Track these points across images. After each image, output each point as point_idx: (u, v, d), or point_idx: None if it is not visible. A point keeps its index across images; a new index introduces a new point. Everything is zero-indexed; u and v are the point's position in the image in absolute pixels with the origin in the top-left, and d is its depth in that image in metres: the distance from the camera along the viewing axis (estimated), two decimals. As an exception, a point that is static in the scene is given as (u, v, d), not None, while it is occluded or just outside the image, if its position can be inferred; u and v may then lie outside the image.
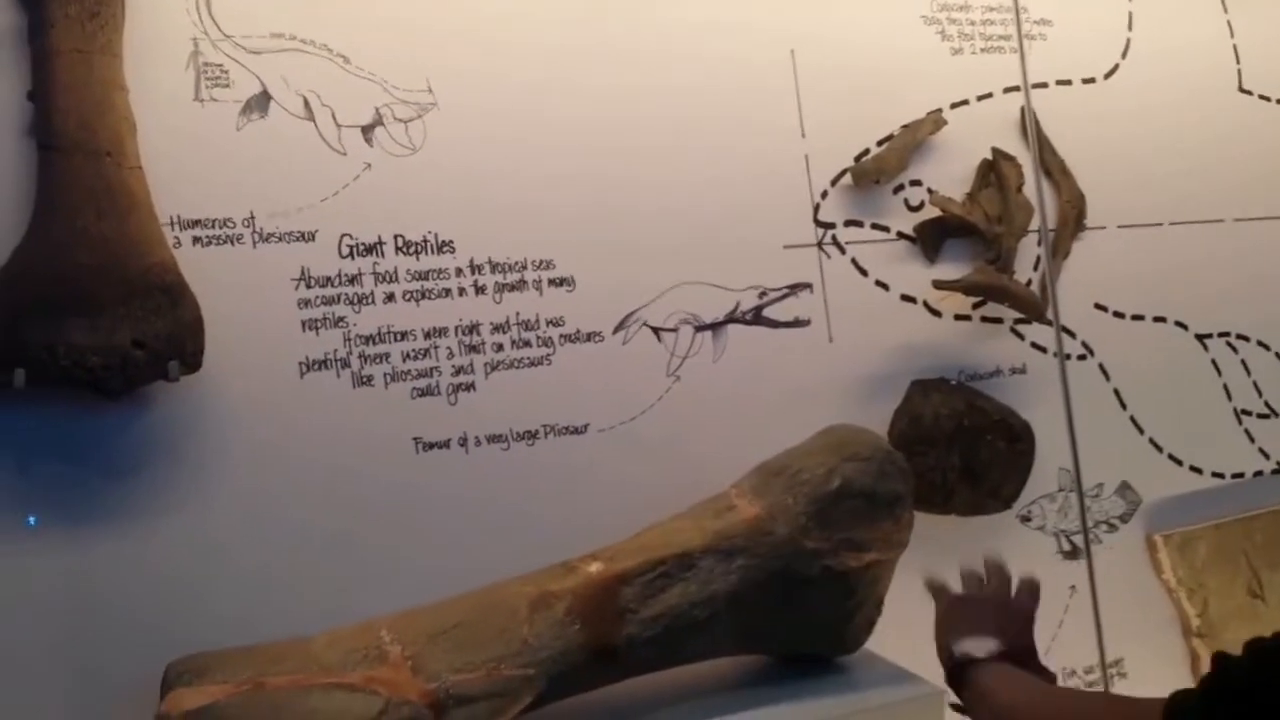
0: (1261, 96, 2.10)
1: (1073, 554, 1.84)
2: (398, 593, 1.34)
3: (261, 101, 1.42)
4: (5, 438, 1.27)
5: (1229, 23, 2.09)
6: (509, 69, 1.54)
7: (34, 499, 1.28)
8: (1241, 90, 2.09)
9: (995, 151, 1.80)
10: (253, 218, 1.40)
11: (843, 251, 1.72)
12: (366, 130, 1.46)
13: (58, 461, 1.29)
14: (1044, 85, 1.88)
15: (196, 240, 1.37)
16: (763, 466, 1.46)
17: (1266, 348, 2.04)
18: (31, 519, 1.28)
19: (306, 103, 1.44)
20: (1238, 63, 2.09)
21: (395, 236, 1.46)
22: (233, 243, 1.39)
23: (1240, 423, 2.00)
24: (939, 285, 1.71)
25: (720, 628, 1.36)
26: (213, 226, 1.38)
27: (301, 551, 1.39)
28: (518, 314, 1.51)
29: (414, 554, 1.43)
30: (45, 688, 1.27)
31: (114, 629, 1.30)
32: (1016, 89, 1.86)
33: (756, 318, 1.65)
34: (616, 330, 1.57)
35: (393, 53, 1.48)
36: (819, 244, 1.70)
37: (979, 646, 1.17)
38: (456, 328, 1.48)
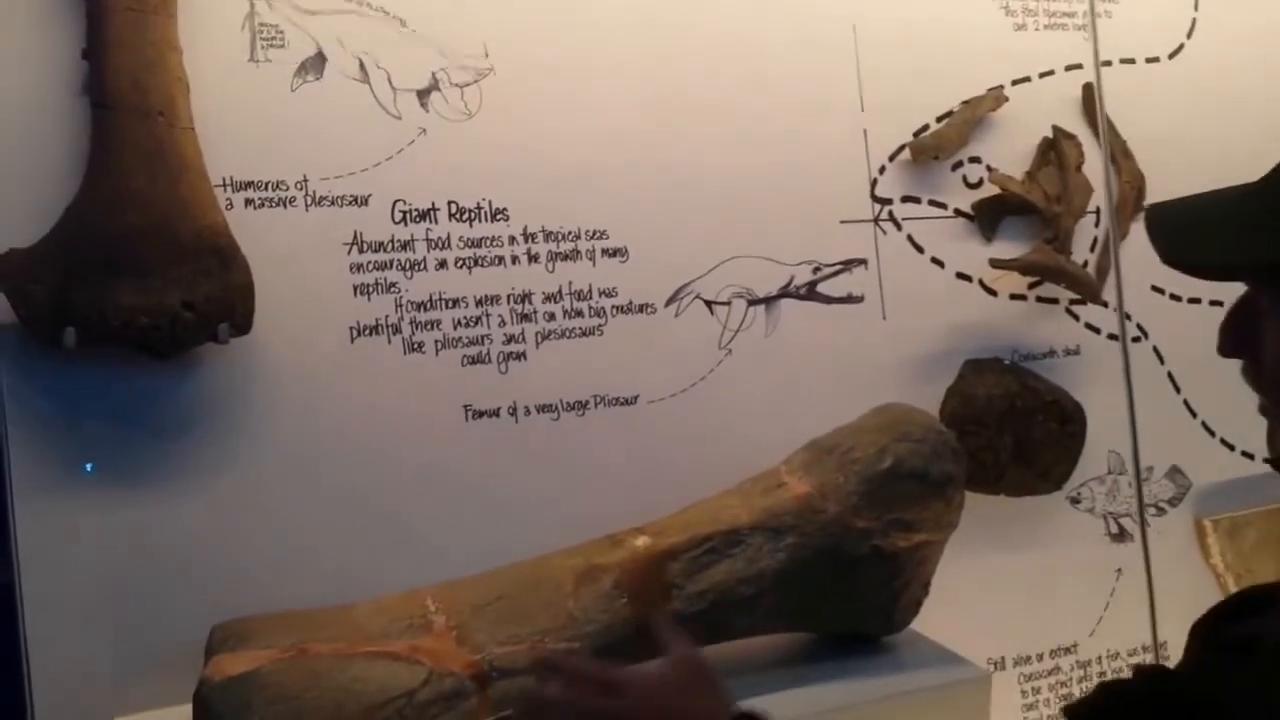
0: (1330, 79, 1.92)
1: (1120, 536, 1.70)
2: (443, 561, 1.25)
3: (317, 63, 1.30)
4: (57, 396, 1.18)
5: (1297, 3, 1.91)
6: (567, 37, 1.41)
7: (84, 457, 1.19)
8: (1309, 72, 1.91)
9: (1056, 130, 1.65)
10: (306, 181, 1.29)
11: (899, 228, 1.58)
12: (422, 95, 1.34)
13: (107, 420, 1.20)
14: (1108, 64, 1.72)
15: (249, 202, 1.26)
16: (814, 444, 1.34)
17: (1325, 333, 1.87)
18: (88, 466, 1.19)
19: (362, 65, 1.32)
20: (1306, 44, 1.91)
21: (449, 203, 1.35)
22: (285, 206, 1.28)
23: (1294, 409, 1.84)
24: (995, 264, 1.57)
25: (766, 605, 1.24)
26: (265, 189, 1.27)
27: (348, 516, 1.29)
28: (570, 284, 1.39)
29: (461, 522, 1.33)
30: (91, 646, 1.18)
31: (160, 588, 1.21)
32: (1079, 67, 1.70)
33: (810, 293, 1.52)
34: (669, 302, 1.45)
35: (450, 17, 1.36)
36: (875, 220, 1.57)
37: None
38: (509, 296, 1.36)
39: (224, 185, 1.25)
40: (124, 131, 1.17)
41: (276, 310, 1.25)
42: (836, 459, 1.30)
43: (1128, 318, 1.72)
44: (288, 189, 1.28)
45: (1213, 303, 1.78)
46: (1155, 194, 1.74)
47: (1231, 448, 1.79)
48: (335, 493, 1.28)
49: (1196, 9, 1.81)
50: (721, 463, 1.34)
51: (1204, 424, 1.77)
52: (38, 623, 1.16)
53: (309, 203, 1.29)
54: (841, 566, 1.26)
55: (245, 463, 1.25)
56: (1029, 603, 1.63)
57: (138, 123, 1.17)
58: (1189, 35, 1.80)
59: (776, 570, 1.24)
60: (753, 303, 1.49)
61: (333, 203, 1.30)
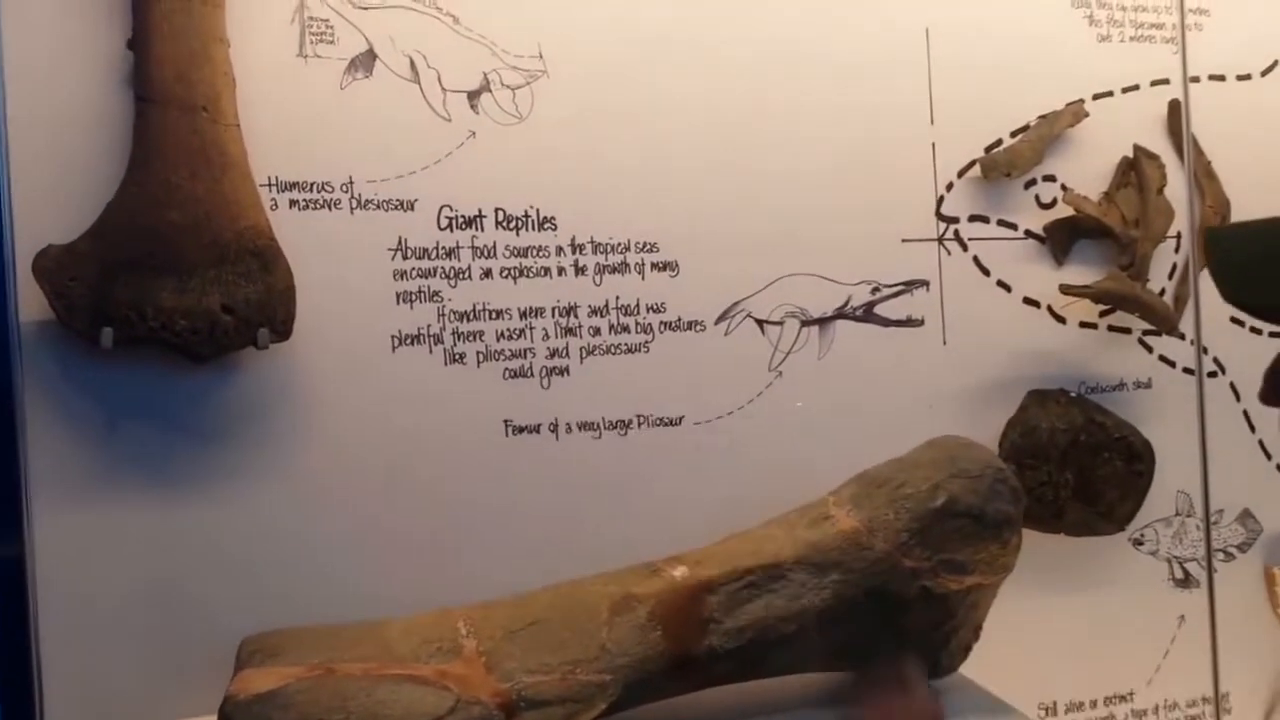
0: None
1: (1185, 582, 1.65)
2: (478, 578, 1.24)
3: (367, 61, 1.29)
4: (91, 396, 1.18)
5: (1403, 19, 1.82)
6: (623, 40, 1.39)
7: (120, 459, 1.20)
8: None
9: (1137, 149, 1.59)
10: (352, 183, 1.28)
11: (965, 248, 1.53)
12: (473, 96, 1.33)
13: (141, 422, 1.20)
14: (1196, 80, 1.65)
15: (294, 204, 1.26)
16: (863, 476, 1.31)
17: None
18: None
19: (413, 64, 1.30)
20: None
21: (496, 210, 1.33)
22: (330, 208, 1.27)
23: (1377, 455, 1.78)
24: (1066, 290, 1.51)
25: (807, 643, 1.21)
26: (311, 190, 1.26)
27: (383, 529, 1.29)
28: (617, 298, 1.37)
29: (497, 539, 1.32)
30: (120, 652, 1.19)
31: (191, 595, 1.22)
32: (1165, 82, 1.63)
33: (867, 314, 1.48)
34: (719, 320, 1.42)
35: (504, 15, 1.34)
36: (940, 239, 1.52)
37: None
38: (553, 309, 1.35)
39: (269, 185, 1.24)
40: (167, 126, 1.17)
41: (317, 316, 1.24)
42: (887, 494, 1.27)
43: (1204, 351, 1.66)
44: (333, 191, 1.27)
45: (1296, 338, 1.73)
46: (1240, 219, 1.67)
47: (1308, 493, 1.74)
48: (371, 505, 1.28)
49: (1294, 23, 1.74)
50: (766, 490, 1.32)
51: (1279, 467, 1.71)
52: (55, 629, 1.17)
53: (354, 206, 1.28)
54: (888, 607, 1.23)
55: (281, 472, 1.25)
56: (1085, 647, 1.59)
57: (181, 117, 1.17)
58: (1285, 51, 1.73)
59: (819, 608, 1.20)
60: (806, 323, 1.46)
61: (378, 206, 1.29)
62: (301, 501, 1.26)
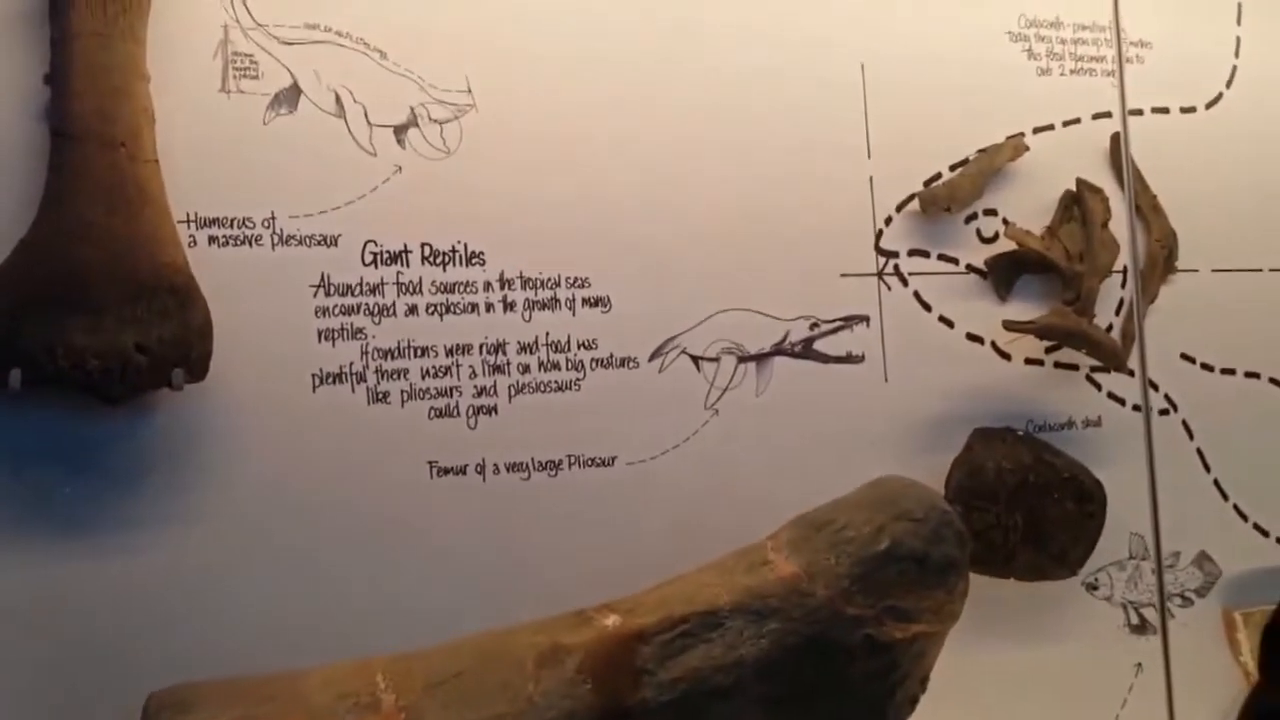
0: (1379, 135, 1.89)
1: (1141, 628, 1.65)
2: (401, 626, 1.23)
3: (291, 95, 1.31)
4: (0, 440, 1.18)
5: (1346, 53, 1.88)
6: (553, 73, 1.41)
7: (26, 506, 1.18)
8: (1357, 127, 1.88)
9: (1080, 183, 1.62)
10: (273, 218, 1.29)
11: (905, 283, 1.56)
12: (399, 131, 1.34)
13: (52, 468, 1.19)
14: (1139, 112, 1.69)
15: (213, 240, 1.26)
16: (803, 518, 1.31)
17: (1368, 412, 1.83)
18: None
19: (338, 98, 1.32)
20: (1354, 96, 1.88)
21: (422, 245, 1.34)
22: (251, 244, 1.28)
23: (1335, 493, 1.80)
24: (1010, 326, 1.53)
25: (745, 696, 1.21)
26: (231, 226, 1.27)
27: (303, 576, 1.27)
28: (547, 334, 1.38)
29: (422, 586, 1.31)
30: (22, 710, 1.17)
31: (98, 649, 1.19)
32: (1107, 115, 1.67)
33: (806, 350, 1.50)
34: (653, 357, 1.43)
35: (432, 50, 1.36)
36: (879, 274, 1.54)
37: None
38: (481, 345, 1.35)
39: (188, 221, 1.24)
40: (84, 162, 1.17)
41: (235, 355, 1.24)
42: (827, 537, 1.28)
43: (1154, 388, 1.68)
44: (254, 226, 1.28)
45: (1248, 374, 1.75)
46: (1188, 253, 1.71)
47: (1266, 534, 1.75)
48: (290, 551, 1.27)
49: (1237, 56, 1.79)
50: (702, 534, 1.32)
51: (1236, 507, 1.72)
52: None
53: (276, 242, 1.28)
54: (830, 657, 1.22)
55: (195, 517, 1.24)
56: (1039, 697, 1.58)
57: (99, 153, 1.17)
58: (1228, 84, 1.77)
59: (758, 658, 1.20)
60: (743, 359, 1.47)
61: (301, 242, 1.29)
62: (217, 548, 1.24)
